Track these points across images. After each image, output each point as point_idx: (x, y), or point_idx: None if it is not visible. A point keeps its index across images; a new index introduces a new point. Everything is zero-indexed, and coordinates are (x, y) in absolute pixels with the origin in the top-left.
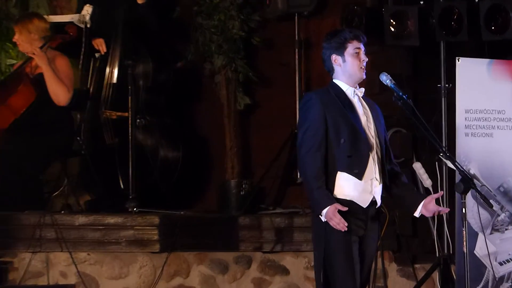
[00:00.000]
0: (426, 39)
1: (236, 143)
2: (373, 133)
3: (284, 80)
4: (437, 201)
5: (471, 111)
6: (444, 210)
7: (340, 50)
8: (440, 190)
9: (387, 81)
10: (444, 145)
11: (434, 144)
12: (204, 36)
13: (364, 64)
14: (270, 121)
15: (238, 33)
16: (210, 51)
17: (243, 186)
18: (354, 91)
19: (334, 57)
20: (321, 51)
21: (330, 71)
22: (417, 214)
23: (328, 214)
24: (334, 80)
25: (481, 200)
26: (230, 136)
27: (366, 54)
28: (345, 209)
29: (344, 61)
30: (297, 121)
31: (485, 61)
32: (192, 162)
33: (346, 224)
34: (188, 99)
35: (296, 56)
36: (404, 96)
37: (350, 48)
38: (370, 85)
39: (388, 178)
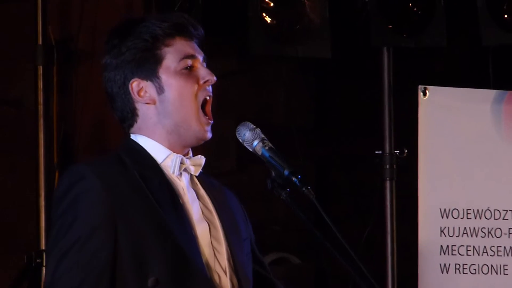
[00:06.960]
0: (349, 42)
1: None
2: (225, 263)
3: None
4: None
5: (454, 213)
6: None
7: (148, 67)
8: None
9: (255, 143)
10: None
11: None
12: None
13: (210, 91)
14: None
15: None
16: None
17: None
18: (181, 163)
19: (135, 84)
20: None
21: (124, 117)
22: None
23: None
24: (134, 137)
25: None
26: None
27: (211, 69)
28: None
29: (160, 90)
30: (49, 239)
31: (488, 93)
32: None
33: None
34: None
35: (41, 84)
36: (294, 180)
37: (172, 56)
38: (219, 147)
39: None
